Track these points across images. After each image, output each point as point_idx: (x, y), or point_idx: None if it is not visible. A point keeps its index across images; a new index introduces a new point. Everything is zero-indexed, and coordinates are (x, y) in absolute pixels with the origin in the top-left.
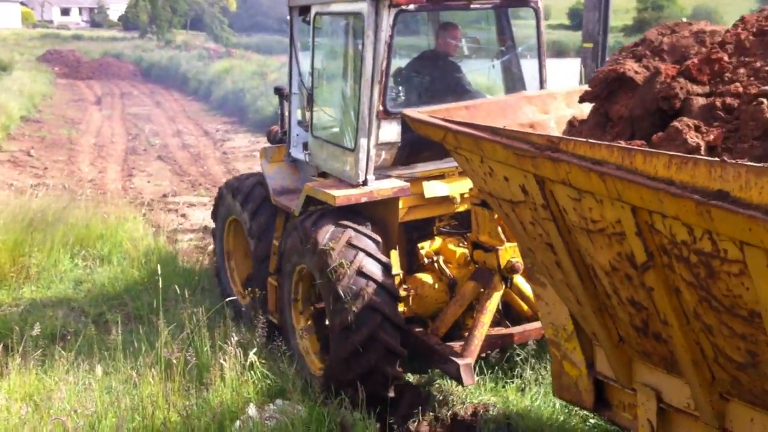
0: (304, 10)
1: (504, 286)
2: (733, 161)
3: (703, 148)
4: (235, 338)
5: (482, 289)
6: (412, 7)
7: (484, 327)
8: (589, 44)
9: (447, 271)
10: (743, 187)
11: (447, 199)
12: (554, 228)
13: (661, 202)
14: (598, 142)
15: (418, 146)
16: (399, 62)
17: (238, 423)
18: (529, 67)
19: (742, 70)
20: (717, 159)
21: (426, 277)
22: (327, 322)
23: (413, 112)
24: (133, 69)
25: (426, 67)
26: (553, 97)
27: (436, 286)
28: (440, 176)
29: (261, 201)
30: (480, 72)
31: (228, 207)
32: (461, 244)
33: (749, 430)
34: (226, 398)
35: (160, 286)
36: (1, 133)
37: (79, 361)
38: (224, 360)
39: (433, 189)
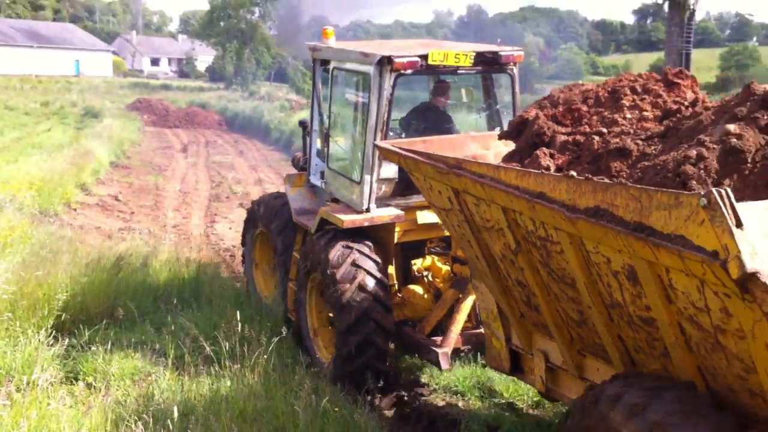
0: (325, 62)
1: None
2: (547, 172)
3: (552, 169)
4: (309, 384)
5: (459, 295)
6: (409, 71)
7: (459, 324)
8: None
9: (435, 284)
10: (552, 189)
11: (436, 225)
12: (468, 228)
13: (512, 202)
14: (483, 162)
15: (412, 181)
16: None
17: None
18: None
19: (595, 117)
20: (540, 171)
21: (417, 288)
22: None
23: (381, 143)
24: (218, 118)
25: (421, 117)
26: (493, 137)
27: (425, 296)
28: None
29: (288, 219)
30: (468, 122)
31: (257, 221)
32: (447, 263)
33: (597, 376)
34: None
35: (239, 329)
36: (91, 178)
37: (158, 401)
38: (298, 406)
39: (424, 216)
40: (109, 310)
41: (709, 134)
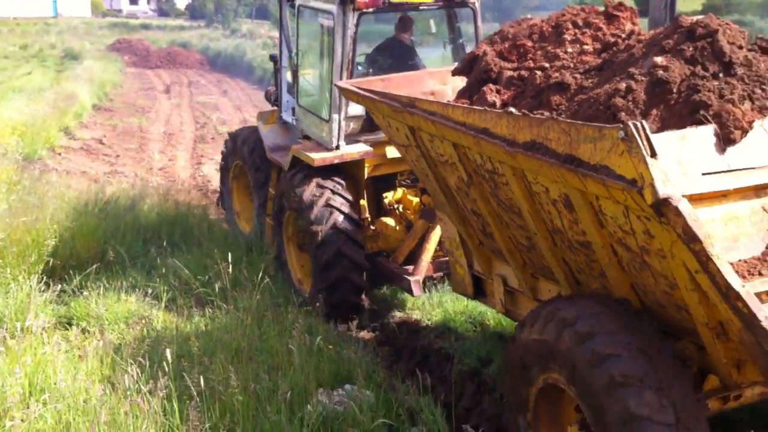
0: None
1: None
2: (489, 109)
3: (498, 104)
4: (302, 323)
5: (429, 225)
6: (371, 10)
7: (429, 252)
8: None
9: (406, 215)
10: (494, 125)
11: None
12: (425, 163)
13: (460, 138)
14: (433, 100)
15: None
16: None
17: (308, 407)
18: None
19: (539, 52)
20: (483, 108)
21: (389, 220)
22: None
23: (341, 83)
24: (199, 58)
25: (386, 53)
26: (450, 72)
27: (397, 227)
28: None
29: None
30: (434, 56)
31: (229, 156)
32: (417, 194)
33: (549, 297)
34: (296, 382)
35: (230, 271)
36: (74, 122)
37: (152, 344)
38: (292, 345)
39: (393, 151)
40: (99, 254)
41: (639, 67)
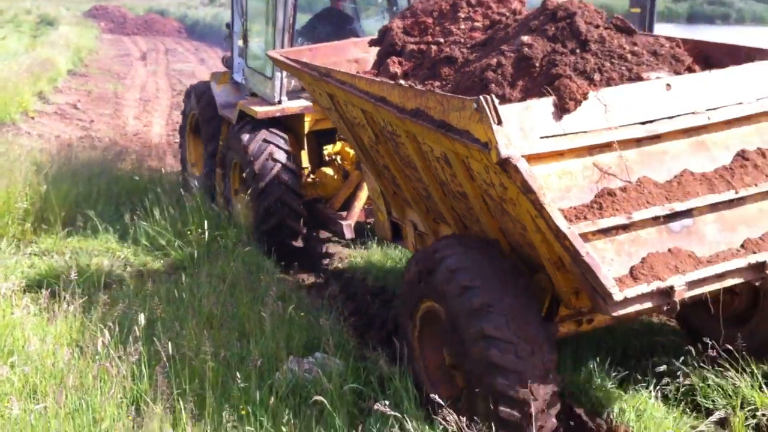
0: None
1: None
2: (386, 80)
3: (399, 75)
4: (275, 291)
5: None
6: None
7: (361, 200)
8: (637, 9)
9: (343, 166)
10: (390, 94)
11: None
12: (344, 124)
13: (364, 104)
14: (343, 71)
15: None
16: None
17: (278, 374)
18: None
19: (438, 28)
20: (380, 79)
21: (328, 170)
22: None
23: (271, 53)
24: (177, 26)
25: (324, 22)
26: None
27: (335, 177)
28: None
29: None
30: (378, 24)
31: (191, 106)
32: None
33: None
34: (267, 350)
35: (206, 238)
36: (48, 86)
37: (123, 309)
38: (264, 312)
39: None
40: (71, 219)
41: (510, 44)
